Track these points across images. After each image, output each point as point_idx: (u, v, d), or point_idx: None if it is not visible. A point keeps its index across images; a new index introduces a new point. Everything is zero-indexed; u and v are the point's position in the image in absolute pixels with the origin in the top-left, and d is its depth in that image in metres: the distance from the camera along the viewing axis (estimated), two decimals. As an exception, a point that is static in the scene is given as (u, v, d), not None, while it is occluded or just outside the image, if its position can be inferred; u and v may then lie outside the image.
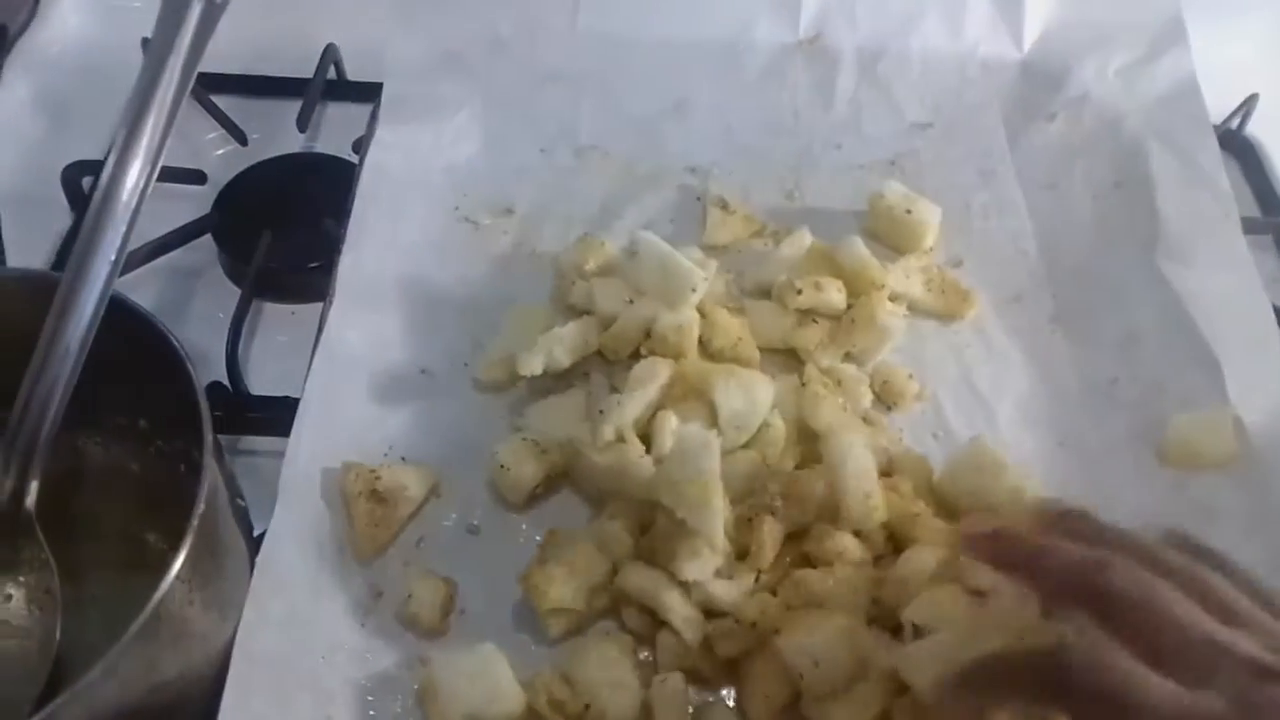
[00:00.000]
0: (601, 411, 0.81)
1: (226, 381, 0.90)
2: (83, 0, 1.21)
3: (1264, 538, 0.81)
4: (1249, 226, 1.04)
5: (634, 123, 1.09)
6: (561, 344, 0.86)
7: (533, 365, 0.84)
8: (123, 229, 0.67)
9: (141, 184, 0.69)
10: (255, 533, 0.77)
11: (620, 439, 0.80)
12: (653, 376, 0.83)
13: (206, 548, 0.64)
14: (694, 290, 0.85)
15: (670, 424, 0.81)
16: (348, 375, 0.86)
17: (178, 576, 0.59)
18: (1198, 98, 1.05)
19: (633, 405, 0.81)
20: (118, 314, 0.68)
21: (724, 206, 1.00)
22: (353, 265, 0.91)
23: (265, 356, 0.96)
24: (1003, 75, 1.13)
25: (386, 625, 0.75)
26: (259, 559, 0.73)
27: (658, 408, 0.83)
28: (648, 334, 0.86)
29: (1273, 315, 0.91)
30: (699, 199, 1.03)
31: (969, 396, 0.91)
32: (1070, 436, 0.89)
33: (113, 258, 0.67)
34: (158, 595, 0.58)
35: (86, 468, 0.79)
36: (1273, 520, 0.81)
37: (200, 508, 0.61)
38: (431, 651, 0.74)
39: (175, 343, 0.69)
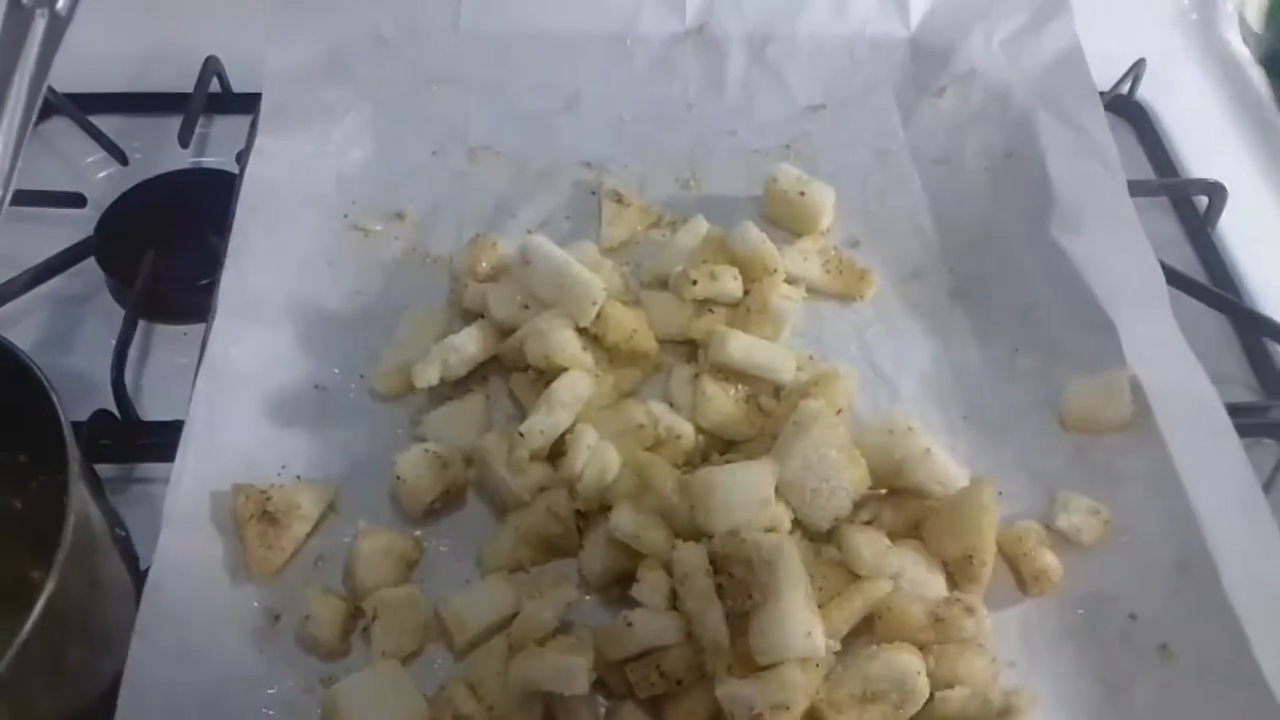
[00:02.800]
0: (521, 434, 0.79)
1: (114, 408, 0.87)
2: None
3: (1166, 496, 0.81)
4: (1144, 189, 1.06)
5: (526, 120, 1.07)
6: (457, 353, 0.84)
7: (428, 376, 0.83)
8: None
9: (-6, 208, 0.66)
10: (144, 565, 0.74)
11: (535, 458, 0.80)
12: (574, 395, 0.80)
13: (81, 583, 0.62)
14: (594, 303, 0.83)
15: (588, 438, 0.79)
16: (235, 395, 0.83)
17: (44, 615, 0.57)
18: (1083, 65, 1.06)
19: (554, 427, 0.80)
20: (-23, 347, 0.65)
21: (619, 200, 0.99)
22: (236, 281, 0.88)
23: (160, 380, 0.94)
24: (892, 54, 1.13)
25: (286, 649, 0.73)
26: (145, 590, 0.71)
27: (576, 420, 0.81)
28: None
29: (1163, 277, 0.92)
30: (594, 193, 1.02)
31: (871, 375, 0.91)
32: (974, 408, 0.89)
33: (-34, 289, 0.64)
34: (21, 636, 0.55)
35: (-38, 508, 0.75)
36: (1173, 478, 0.82)
37: (67, 540, 0.59)
38: (333, 672, 0.72)
39: (40, 374, 0.66)
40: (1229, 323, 1.01)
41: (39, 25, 0.66)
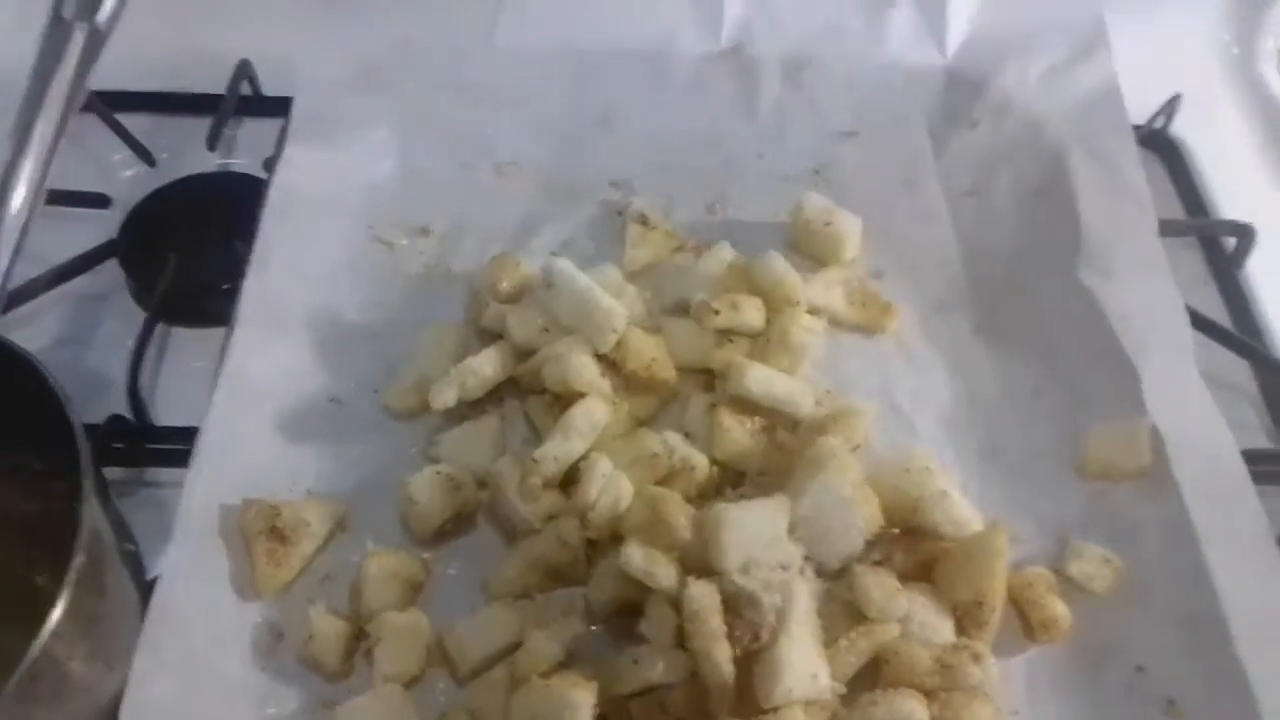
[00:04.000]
0: (535, 460, 0.78)
1: (128, 409, 0.87)
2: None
3: (1179, 548, 0.80)
4: (1174, 229, 1.04)
5: (555, 137, 1.07)
6: (475, 375, 0.84)
7: (446, 397, 0.83)
8: (4, 263, 0.65)
9: (25, 215, 0.66)
10: (151, 575, 0.74)
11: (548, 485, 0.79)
12: (590, 424, 0.80)
13: (89, 596, 0.62)
14: (615, 331, 0.83)
15: (602, 467, 0.78)
16: (251, 406, 0.83)
17: (54, 632, 0.57)
18: (1119, 103, 1.04)
19: (568, 454, 0.79)
20: (-5, 354, 0.65)
21: (644, 223, 0.98)
22: (258, 290, 0.88)
23: (177, 384, 0.93)
24: (927, 82, 1.12)
25: (288, 668, 0.73)
26: (152, 603, 0.71)
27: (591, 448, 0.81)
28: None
29: (1189, 325, 0.90)
30: (620, 214, 1.01)
31: (889, 409, 0.90)
32: (991, 448, 0.88)
33: (-10, 291, 0.64)
34: (31, 654, 0.56)
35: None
36: (1188, 530, 0.81)
37: (78, 559, 0.59)
38: (334, 694, 0.72)
39: (52, 382, 0.66)
40: (1250, 368, 0.99)
41: (78, 38, 0.66)
